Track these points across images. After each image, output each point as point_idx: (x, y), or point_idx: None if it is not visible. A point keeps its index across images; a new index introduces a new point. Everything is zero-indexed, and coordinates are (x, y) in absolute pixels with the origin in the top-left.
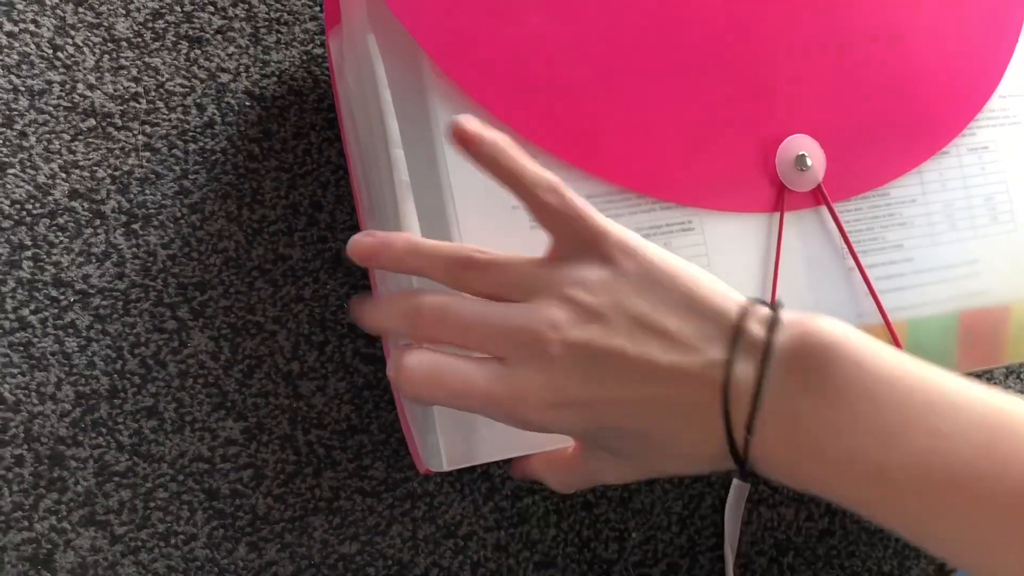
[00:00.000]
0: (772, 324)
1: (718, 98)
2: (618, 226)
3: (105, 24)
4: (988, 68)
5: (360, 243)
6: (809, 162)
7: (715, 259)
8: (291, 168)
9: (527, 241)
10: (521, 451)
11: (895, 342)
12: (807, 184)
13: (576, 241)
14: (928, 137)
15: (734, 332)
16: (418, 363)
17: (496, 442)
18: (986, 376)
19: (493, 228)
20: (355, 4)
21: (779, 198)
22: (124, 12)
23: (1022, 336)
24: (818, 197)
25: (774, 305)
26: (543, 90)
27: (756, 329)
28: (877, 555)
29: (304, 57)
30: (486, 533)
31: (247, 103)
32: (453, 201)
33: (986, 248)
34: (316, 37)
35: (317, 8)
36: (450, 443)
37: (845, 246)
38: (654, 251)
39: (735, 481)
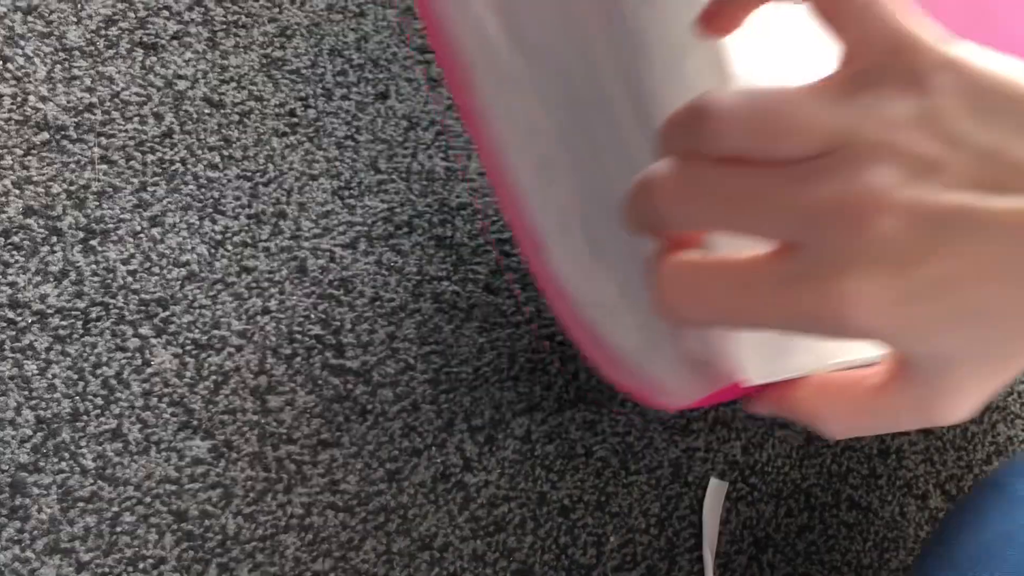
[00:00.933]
0: None
1: None
2: (932, 28)
3: (56, 33)
4: None
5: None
6: None
7: None
8: (253, 176)
9: None
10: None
11: None
12: None
13: (874, 53)
14: None
15: None
16: (674, 272)
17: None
18: None
19: None
20: None
21: None
22: (75, 20)
23: None
24: None
25: None
26: None
27: None
28: (856, 548)
29: (264, 60)
30: (462, 543)
31: (206, 110)
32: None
33: None
34: (275, 40)
35: (276, 10)
36: (756, 347)
37: None
38: (982, 60)
39: (713, 480)
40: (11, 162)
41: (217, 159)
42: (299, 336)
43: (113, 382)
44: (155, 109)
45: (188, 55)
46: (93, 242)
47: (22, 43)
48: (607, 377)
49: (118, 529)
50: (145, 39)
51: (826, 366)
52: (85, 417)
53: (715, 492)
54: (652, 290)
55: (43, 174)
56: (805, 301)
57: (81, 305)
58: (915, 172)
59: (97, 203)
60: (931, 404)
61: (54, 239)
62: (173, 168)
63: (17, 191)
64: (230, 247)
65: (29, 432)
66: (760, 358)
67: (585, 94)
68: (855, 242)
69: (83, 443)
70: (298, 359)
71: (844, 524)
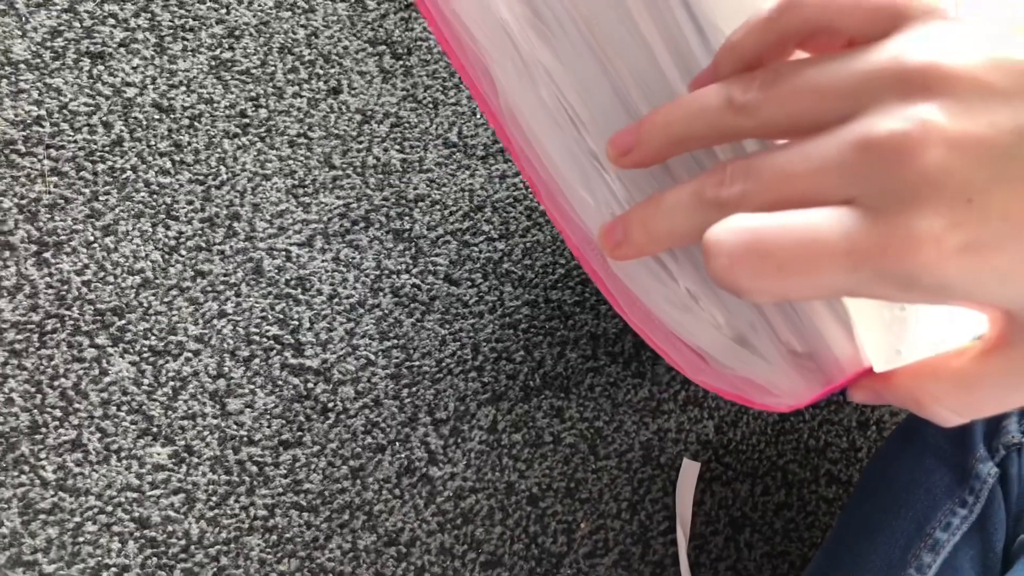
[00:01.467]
0: None
1: None
2: None
3: (1, 47)
4: None
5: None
6: None
7: None
8: (205, 180)
9: None
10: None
11: None
12: None
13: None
14: None
15: None
16: (730, 234)
17: (933, 322)
18: None
19: None
20: None
21: None
22: (20, 33)
23: None
24: None
25: None
26: None
27: None
28: None
29: (213, 63)
30: (429, 537)
31: (156, 116)
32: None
33: None
34: (224, 41)
35: (224, 11)
36: (874, 331)
37: None
38: None
39: (685, 461)
40: None
41: (168, 164)
42: (257, 337)
43: (71, 393)
44: (104, 118)
45: (136, 62)
46: (46, 254)
47: None
48: (703, 385)
49: (80, 539)
50: (92, 48)
51: (951, 347)
52: (44, 429)
53: (688, 473)
54: (710, 261)
55: None
56: (872, 246)
57: (36, 318)
58: (960, 96)
59: (49, 215)
60: None
61: (7, 253)
62: (124, 176)
63: None
64: (184, 252)
65: None
66: (874, 343)
67: (622, 53)
68: (908, 187)
69: (43, 455)
70: (256, 360)
71: (824, 499)
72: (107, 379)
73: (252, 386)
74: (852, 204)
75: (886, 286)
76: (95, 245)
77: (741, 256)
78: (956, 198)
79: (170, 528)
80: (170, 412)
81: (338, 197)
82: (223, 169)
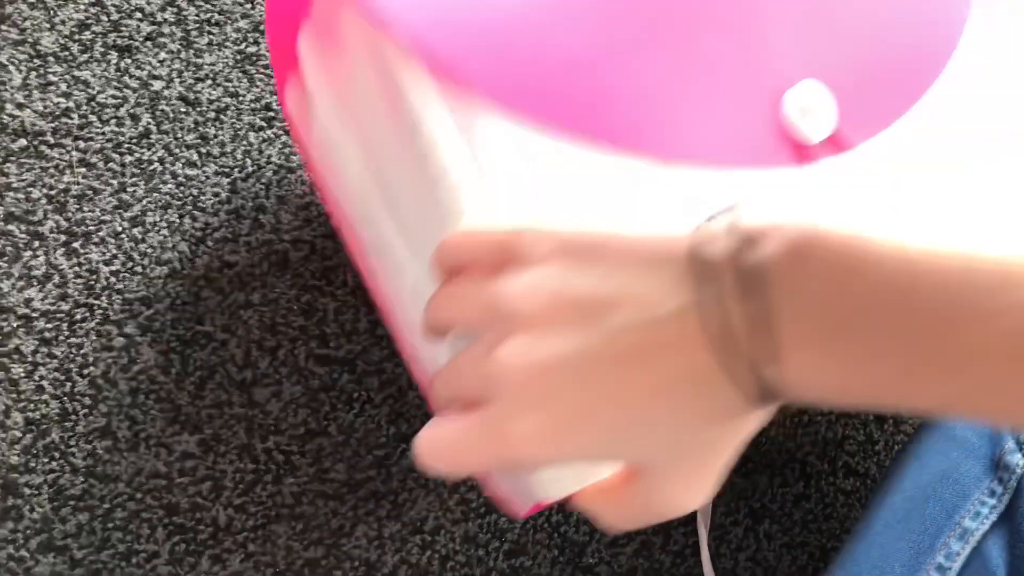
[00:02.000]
0: (737, 237)
1: (714, 57)
2: (534, 223)
3: (30, 40)
4: None
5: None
6: (816, 109)
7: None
8: (231, 172)
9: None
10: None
11: None
12: (822, 132)
13: (487, 263)
14: (941, 42)
15: (691, 261)
16: (426, 439)
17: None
18: None
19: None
20: (347, 33)
21: (795, 151)
22: (49, 26)
23: None
24: (837, 143)
25: (729, 213)
26: (541, 67)
27: (718, 246)
28: (855, 515)
29: (238, 56)
30: (454, 526)
31: (182, 109)
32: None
33: None
34: (249, 35)
35: (248, 5)
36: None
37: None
38: (571, 226)
39: None
40: None
41: (195, 157)
42: (283, 328)
43: (100, 381)
44: (131, 110)
45: (162, 55)
46: (75, 244)
47: None
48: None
49: (110, 525)
50: (119, 42)
51: (598, 478)
52: (74, 417)
53: None
54: (417, 460)
55: (23, 180)
56: (496, 449)
57: (66, 307)
58: (523, 332)
59: (78, 206)
60: (656, 499)
61: (36, 243)
62: (151, 168)
63: None
64: (211, 243)
65: (19, 434)
66: (549, 478)
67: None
68: (500, 402)
69: (73, 442)
70: (282, 351)
71: (841, 491)
72: (136, 368)
73: (278, 376)
74: (482, 406)
75: (517, 468)
76: (123, 235)
77: (435, 454)
78: (535, 406)
79: (198, 515)
80: (197, 401)
81: None
82: (248, 161)
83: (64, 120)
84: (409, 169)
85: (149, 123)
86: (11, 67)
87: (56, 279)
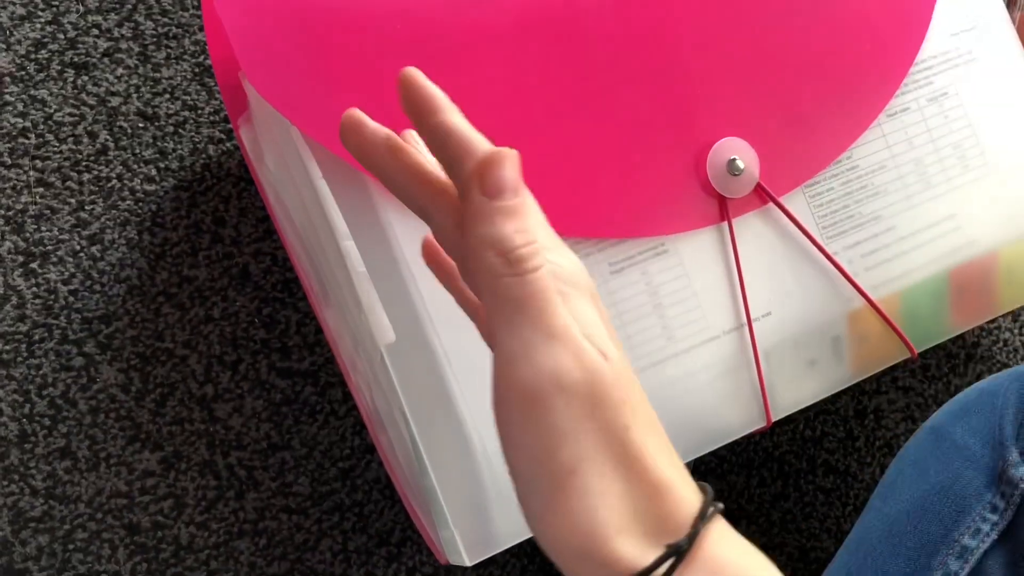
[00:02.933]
0: None
1: (634, 121)
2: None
3: None
4: (914, 13)
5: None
6: (741, 164)
7: (695, 278)
8: (190, 186)
9: None
10: None
11: (886, 322)
12: (746, 187)
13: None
14: (862, 104)
15: None
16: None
17: (516, 523)
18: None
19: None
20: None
21: (723, 208)
22: (5, 46)
23: (1013, 280)
24: (763, 197)
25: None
26: None
27: None
28: (836, 514)
29: (196, 70)
30: (419, 537)
31: (140, 124)
32: (413, 278)
33: (963, 199)
34: (207, 48)
35: None
36: (466, 535)
37: (817, 235)
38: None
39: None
40: None
41: (154, 172)
42: (244, 342)
43: (60, 402)
44: (89, 128)
45: (120, 71)
46: (33, 265)
47: None
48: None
49: (71, 547)
50: (76, 59)
51: None
52: (33, 438)
53: None
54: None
55: None
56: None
57: (24, 328)
58: None
59: (35, 226)
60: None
61: None
62: (110, 185)
63: None
64: (170, 259)
65: None
66: (468, 539)
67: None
68: None
69: (32, 464)
70: (244, 365)
71: (821, 490)
72: (95, 387)
73: (240, 390)
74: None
75: None
76: (81, 254)
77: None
78: None
79: (160, 534)
80: (158, 418)
81: None
82: (208, 175)
83: (21, 140)
84: (323, 228)
85: (107, 140)
86: None
87: (14, 300)
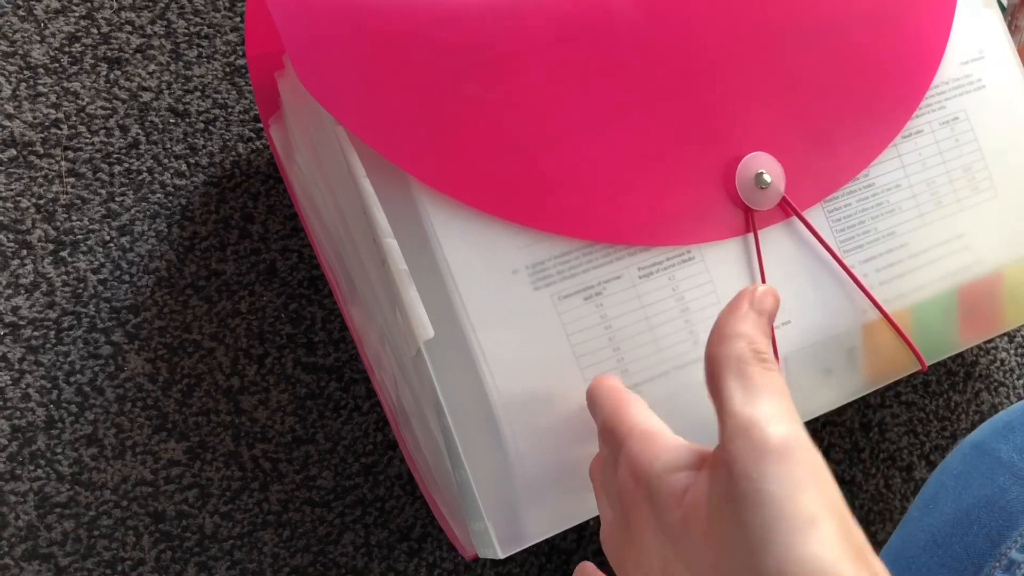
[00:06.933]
0: None
1: (667, 132)
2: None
3: (20, 52)
4: (930, 42)
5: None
6: (768, 178)
7: (720, 285)
8: (219, 182)
9: (527, 302)
10: (572, 522)
11: (900, 335)
12: (771, 200)
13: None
14: (881, 126)
15: None
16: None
17: (546, 518)
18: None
19: (495, 294)
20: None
21: (749, 220)
22: (39, 39)
23: (1016, 298)
24: (787, 210)
25: None
26: (493, 159)
27: None
28: None
29: (227, 69)
30: (440, 533)
31: (171, 120)
32: (452, 277)
33: (972, 219)
34: (238, 48)
35: (238, 19)
36: (499, 528)
37: (836, 249)
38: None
39: None
40: None
41: (184, 167)
42: (270, 336)
43: (87, 389)
44: (121, 121)
45: (152, 67)
46: (63, 253)
47: None
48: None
49: (96, 533)
50: (109, 54)
51: None
52: (60, 424)
53: None
54: None
55: (11, 189)
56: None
57: (53, 315)
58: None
59: (66, 215)
60: None
61: (24, 252)
62: (140, 178)
63: None
64: (199, 252)
65: (4, 441)
66: (501, 531)
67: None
68: None
69: (59, 450)
70: (270, 359)
71: None
72: (123, 375)
73: (266, 384)
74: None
75: None
76: (111, 244)
77: None
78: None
79: (184, 522)
80: (184, 408)
81: None
82: (237, 172)
83: (54, 131)
84: (360, 226)
85: (138, 134)
86: (1, 79)
87: (44, 287)
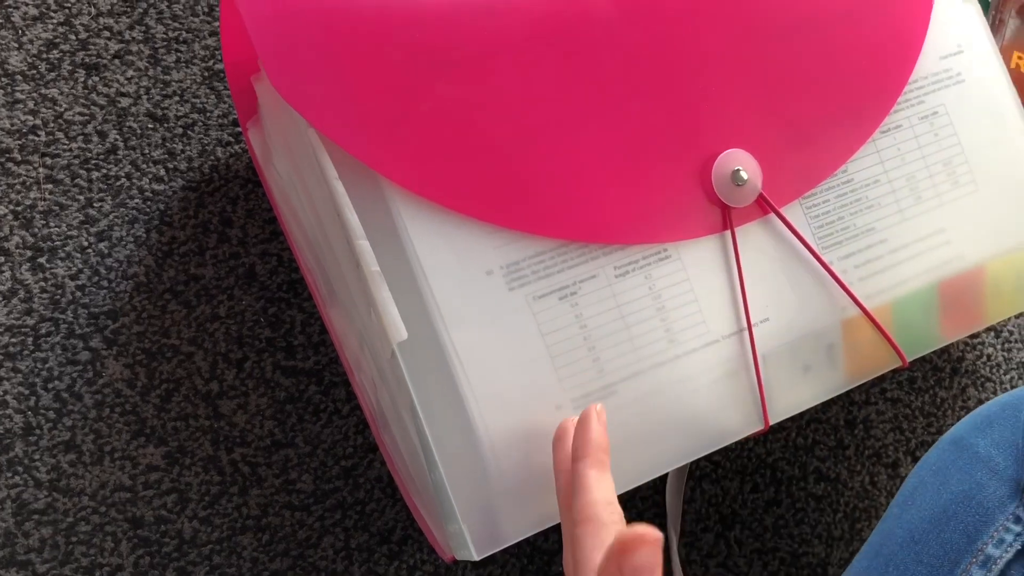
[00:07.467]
0: None
1: (642, 130)
2: None
3: None
4: (908, 36)
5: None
6: (745, 175)
7: (696, 284)
8: (198, 187)
9: (502, 303)
10: (549, 523)
11: (879, 330)
12: (748, 197)
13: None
14: (858, 121)
15: None
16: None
17: (523, 518)
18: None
19: (470, 295)
20: (279, 102)
21: (726, 217)
22: (17, 45)
23: (998, 293)
24: (764, 207)
25: None
26: (466, 159)
27: None
28: (827, 520)
29: (206, 73)
30: (421, 536)
31: (149, 125)
32: (425, 278)
33: (952, 214)
34: (216, 53)
35: (216, 23)
36: (474, 530)
37: (814, 245)
38: None
39: None
40: None
41: (162, 172)
42: (249, 340)
43: (65, 395)
44: (99, 127)
45: (130, 73)
46: (41, 260)
47: None
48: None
49: (74, 539)
50: (87, 60)
51: None
52: (38, 431)
53: (677, 471)
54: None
55: None
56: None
57: (31, 322)
58: None
59: (44, 222)
60: None
61: (2, 259)
62: (118, 183)
63: None
64: (177, 257)
65: None
66: (476, 533)
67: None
68: None
69: (37, 456)
70: (249, 363)
71: (812, 496)
72: (101, 381)
73: (245, 388)
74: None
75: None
76: (89, 250)
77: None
78: None
79: (163, 528)
80: (163, 413)
81: None
82: (216, 176)
83: (31, 137)
84: (335, 228)
85: (116, 139)
86: None
87: (21, 294)
